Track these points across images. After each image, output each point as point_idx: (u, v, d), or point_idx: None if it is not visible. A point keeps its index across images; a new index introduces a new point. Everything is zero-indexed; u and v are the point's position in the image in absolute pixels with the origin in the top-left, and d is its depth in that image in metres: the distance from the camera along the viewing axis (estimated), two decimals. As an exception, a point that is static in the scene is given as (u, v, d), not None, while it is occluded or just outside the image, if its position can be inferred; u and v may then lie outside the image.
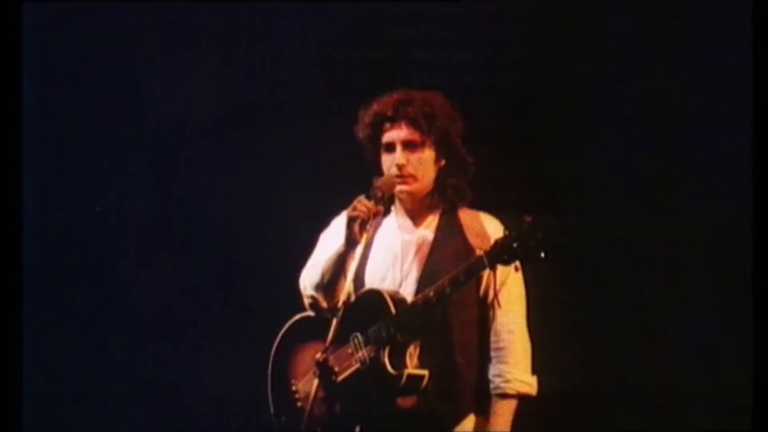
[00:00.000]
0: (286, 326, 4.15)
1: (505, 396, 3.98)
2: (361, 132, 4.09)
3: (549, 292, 4.48)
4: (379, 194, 3.95)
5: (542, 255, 3.75)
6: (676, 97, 4.89)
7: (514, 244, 3.77)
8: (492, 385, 3.98)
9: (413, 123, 4.01)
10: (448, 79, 4.43)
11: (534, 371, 4.04)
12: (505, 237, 3.80)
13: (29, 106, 4.64)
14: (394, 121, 4.03)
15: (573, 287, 4.85)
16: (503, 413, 3.97)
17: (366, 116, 4.08)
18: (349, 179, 4.16)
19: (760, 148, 4.42)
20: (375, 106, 4.06)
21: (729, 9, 4.74)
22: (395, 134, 4.02)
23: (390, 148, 4.03)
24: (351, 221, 3.92)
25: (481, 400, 3.99)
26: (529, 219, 3.76)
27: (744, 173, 4.51)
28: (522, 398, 3.99)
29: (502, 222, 4.02)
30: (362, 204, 3.93)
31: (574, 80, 4.91)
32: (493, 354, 4.00)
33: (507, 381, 3.97)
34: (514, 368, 3.98)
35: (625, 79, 4.89)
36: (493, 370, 3.99)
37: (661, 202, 4.90)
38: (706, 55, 4.82)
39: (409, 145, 4.01)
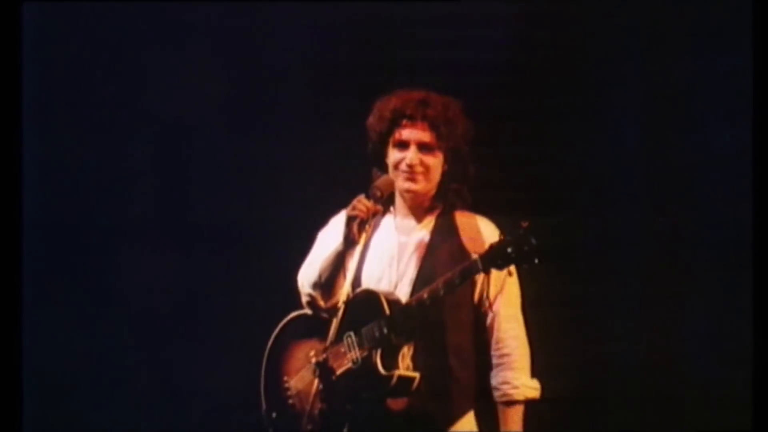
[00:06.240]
0: (282, 324, 4.15)
1: (513, 403, 3.96)
2: (376, 124, 4.05)
3: (547, 294, 4.48)
4: (378, 194, 3.95)
5: (536, 260, 3.74)
6: (676, 97, 4.89)
7: (509, 249, 3.75)
8: (498, 393, 3.97)
9: (433, 126, 3.99)
10: (446, 80, 4.41)
11: (534, 374, 4.04)
12: (499, 241, 3.79)
13: (29, 106, 4.64)
14: (413, 119, 4.00)
15: (571, 288, 4.85)
16: (514, 419, 3.96)
17: (385, 110, 4.03)
18: (348, 178, 4.15)
19: (760, 148, 4.42)
20: (395, 101, 4.03)
21: (729, 9, 4.74)
22: (413, 133, 3.99)
23: (403, 145, 4.01)
24: (350, 220, 3.92)
25: (482, 403, 3.98)
26: (524, 224, 3.75)
27: (744, 173, 4.51)
28: (528, 403, 3.99)
29: (498, 225, 4.02)
30: (361, 203, 3.92)
31: (572, 81, 4.91)
32: (497, 360, 3.98)
33: (515, 387, 3.96)
34: (521, 374, 3.98)
35: (625, 79, 4.89)
36: (499, 378, 3.98)
37: (661, 203, 4.90)
38: (706, 55, 4.82)
39: (424, 147, 3.99)
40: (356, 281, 4.00)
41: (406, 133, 4.00)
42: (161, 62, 5.09)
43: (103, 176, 5.13)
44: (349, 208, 3.94)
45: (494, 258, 3.78)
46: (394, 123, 4.01)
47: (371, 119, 4.07)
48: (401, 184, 4.02)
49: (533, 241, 3.72)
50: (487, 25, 4.92)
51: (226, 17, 5.08)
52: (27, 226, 4.58)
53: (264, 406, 4.12)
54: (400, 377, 3.88)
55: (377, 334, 3.88)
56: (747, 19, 4.53)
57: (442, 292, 3.84)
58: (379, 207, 3.96)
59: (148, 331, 5.12)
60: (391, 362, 3.88)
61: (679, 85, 4.87)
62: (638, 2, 4.87)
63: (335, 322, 3.93)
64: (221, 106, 5.09)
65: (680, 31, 4.85)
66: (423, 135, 3.99)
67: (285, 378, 4.09)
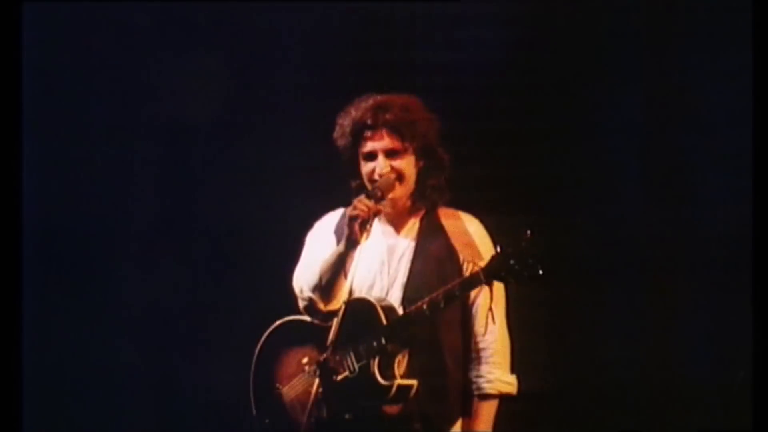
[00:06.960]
0: (270, 330, 4.12)
1: (487, 396, 3.97)
2: (341, 140, 4.04)
3: (545, 294, 4.48)
4: (379, 194, 3.93)
5: (539, 272, 3.71)
6: (676, 97, 4.89)
7: (511, 261, 3.73)
8: (474, 386, 3.97)
9: (394, 131, 3.97)
10: (445, 81, 4.41)
11: (533, 373, 4.04)
12: (501, 253, 3.76)
13: (29, 106, 4.64)
14: (374, 129, 3.98)
15: (570, 289, 4.84)
16: (485, 414, 3.96)
17: (344, 124, 4.03)
18: (335, 182, 4.15)
19: (760, 148, 4.41)
20: (353, 113, 4.02)
21: (729, 9, 4.74)
22: (377, 144, 3.98)
23: (371, 156, 3.99)
24: (351, 221, 3.89)
25: (466, 402, 3.98)
26: (527, 235, 3.72)
27: (744, 173, 4.51)
28: (503, 398, 3.98)
29: (482, 221, 4.02)
30: (362, 203, 3.90)
31: (572, 81, 4.91)
32: (474, 355, 3.98)
33: (489, 381, 3.96)
34: (496, 368, 3.97)
35: (625, 79, 4.89)
36: (474, 371, 3.97)
37: (661, 203, 4.90)
38: (706, 55, 4.82)
39: (391, 153, 3.98)
40: (350, 286, 3.98)
41: (370, 145, 4.00)
42: (160, 63, 5.09)
43: (102, 177, 5.13)
44: (350, 208, 3.92)
45: (497, 270, 3.77)
46: (357, 136, 4.00)
47: (335, 135, 4.06)
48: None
49: (537, 252, 3.70)
50: (486, 25, 4.92)
51: (226, 18, 5.07)
52: (27, 227, 4.57)
53: (254, 412, 4.10)
54: (399, 386, 3.87)
55: (374, 343, 3.87)
56: (747, 19, 4.52)
57: (442, 304, 3.83)
58: (380, 207, 3.94)
59: (147, 332, 5.12)
60: (388, 371, 3.87)
61: (679, 85, 4.87)
62: (639, 2, 4.87)
63: (334, 327, 3.91)
64: (220, 107, 5.09)
65: (680, 32, 4.85)
66: (387, 142, 3.98)
67: (277, 385, 4.07)
